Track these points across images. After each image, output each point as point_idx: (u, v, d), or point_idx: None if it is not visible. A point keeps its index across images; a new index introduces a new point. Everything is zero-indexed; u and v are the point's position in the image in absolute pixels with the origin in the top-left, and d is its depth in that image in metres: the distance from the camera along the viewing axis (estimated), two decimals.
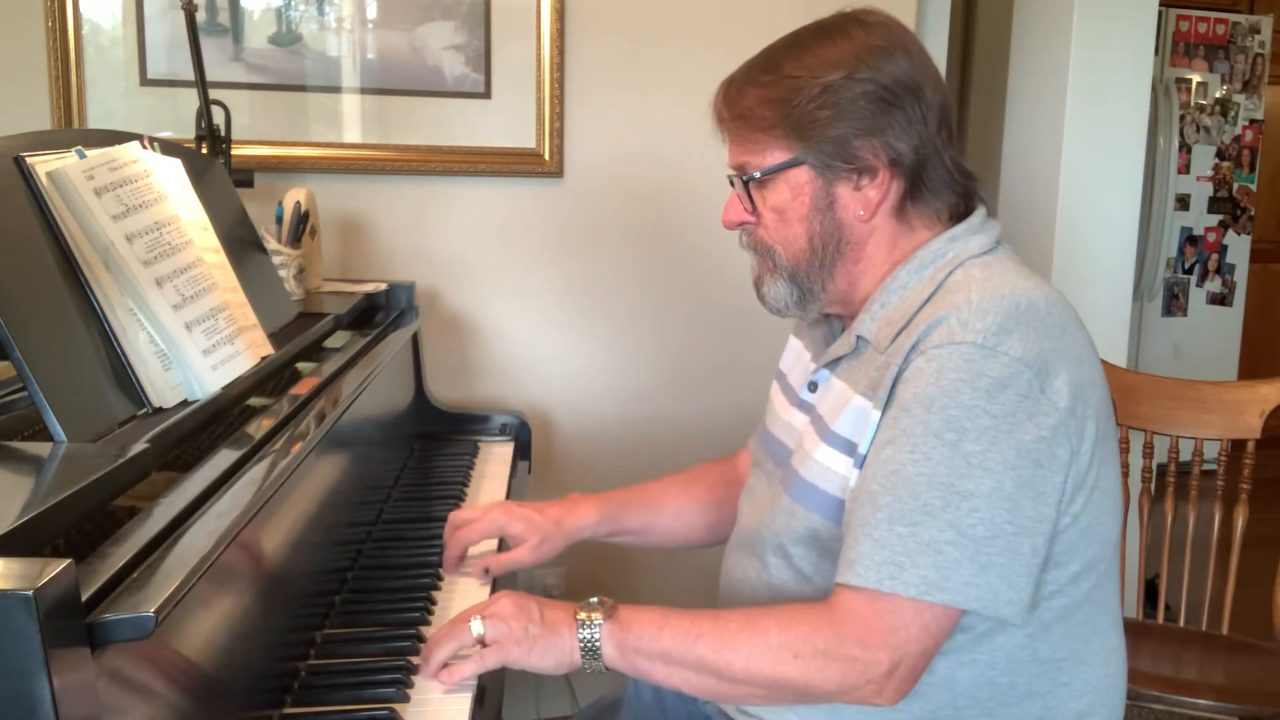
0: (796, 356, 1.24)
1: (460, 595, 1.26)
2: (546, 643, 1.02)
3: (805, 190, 1.06)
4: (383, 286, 1.91)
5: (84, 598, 0.65)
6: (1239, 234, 4.40)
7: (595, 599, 1.04)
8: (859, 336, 1.07)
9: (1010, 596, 0.94)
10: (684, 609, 1.03)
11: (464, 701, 1.02)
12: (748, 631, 0.98)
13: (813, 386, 1.13)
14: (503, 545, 1.35)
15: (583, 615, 1.02)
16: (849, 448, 1.03)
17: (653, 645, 1.00)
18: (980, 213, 1.09)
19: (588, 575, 2.24)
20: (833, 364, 1.10)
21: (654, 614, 1.02)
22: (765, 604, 1.10)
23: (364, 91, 2.07)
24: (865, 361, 1.05)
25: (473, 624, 1.03)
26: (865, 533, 0.95)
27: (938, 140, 1.05)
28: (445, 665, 1.04)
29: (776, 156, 1.06)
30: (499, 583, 1.30)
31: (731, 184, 1.11)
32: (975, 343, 0.95)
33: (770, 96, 1.05)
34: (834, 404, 1.07)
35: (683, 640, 0.99)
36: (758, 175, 1.07)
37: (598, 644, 1.01)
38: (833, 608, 0.97)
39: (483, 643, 1.03)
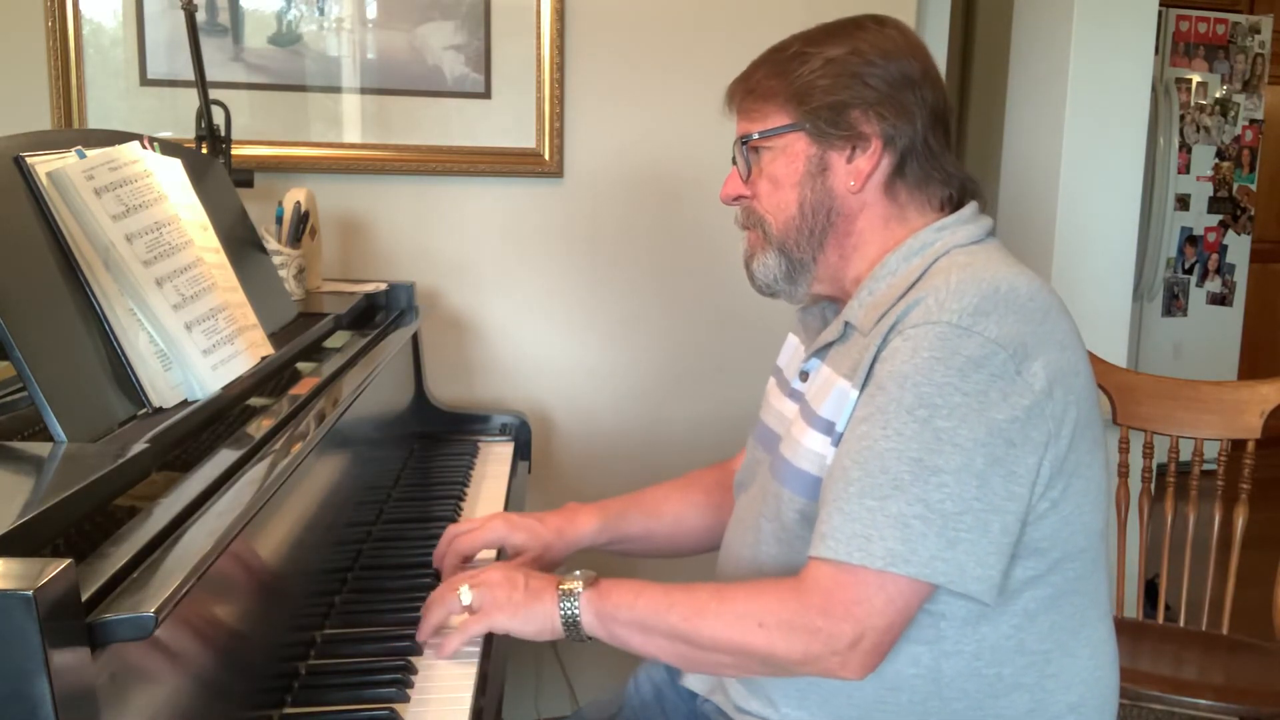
0: (793, 352, 1.26)
1: None
2: (529, 610, 1.06)
3: (800, 157, 1.10)
4: (383, 286, 1.91)
5: (84, 598, 0.65)
6: (1239, 234, 4.40)
7: (578, 570, 1.08)
8: (847, 323, 1.09)
9: (978, 573, 0.95)
10: (663, 582, 1.05)
11: (464, 702, 1.02)
12: (716, 601, 1.01)
13: (804, 375, 1.15)
14: (500, 556, 1.35)
15: (565, 586, 1.06)
16: (828, 428, 1.05)
17: (628, 614, 1.04)
18: (972, 206, 1.12)
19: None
20: (822, 352, 1.12)
21: (631, 584, 1.06)
22: None
23: (364, 91, 2.07)
24: (850, 346, 1.07)
25: (461, 592, 1.09)
26: (837, 507, 0.97)
27: (932, 136, 1.09)
28: (434, 630, 1.10)
29: (776, 120, 1.10)
30: None
31: (734, 161, 1.15)
32: (950, 322, 0.96)
33: (776, 70, 1.11)
34: (820, 389, 1.09)
35: (656, 609, 1.02)
36: (756, 135, 1.11)
37: (577, 612, 1.05)
38: (801, 580, 0.98)
39: (470, 610, 1.08)
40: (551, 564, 1.32)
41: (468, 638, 1.08)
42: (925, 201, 1.11)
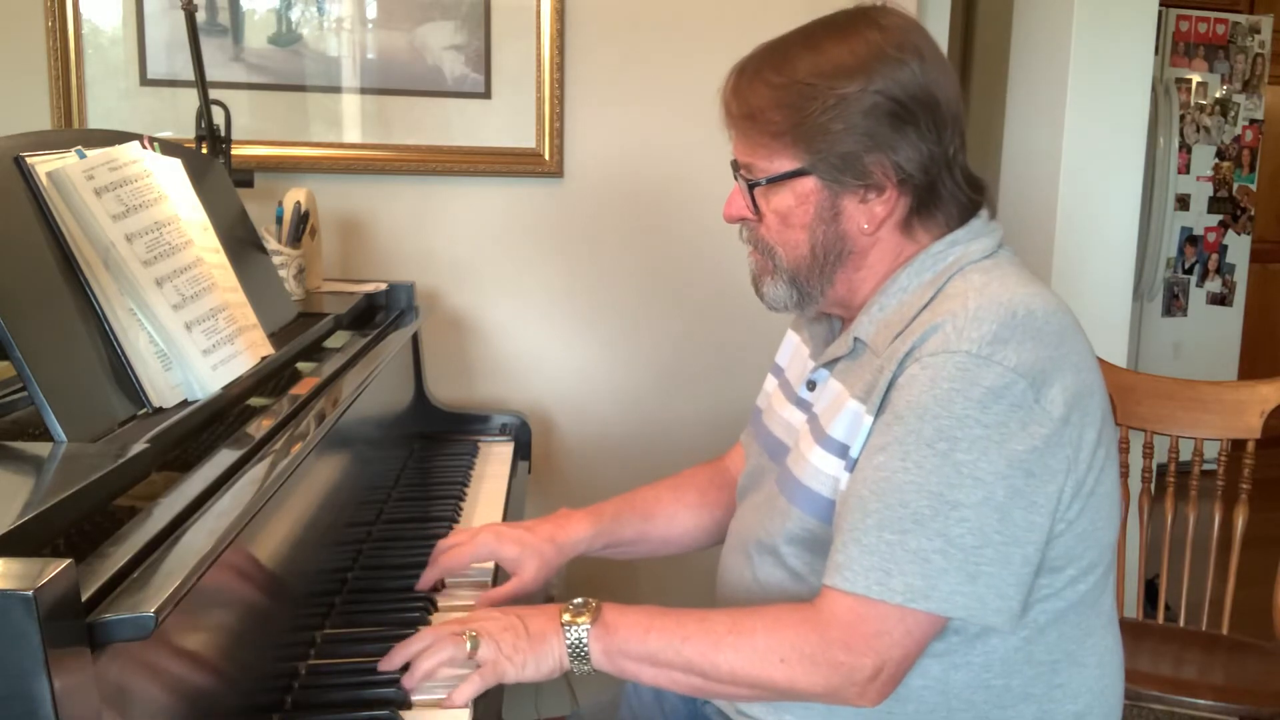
0: (795, 352, 1.24)
1: (462, 596, 1.26)
2: (538, 655, 1.02)
3: (810, 199, 1.04)
4: (383, 286, 1.91)
5: (84, 598, 0.65)
6: (1239, 234, 4.40)
7: (579, 600, 1.04)
8: (856, 338, 1.07)
9: (998, 605, 0.94)
10: (670, 609, 1.03)
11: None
12: (734, 634, 0.99)
13: (811, 385, 1.13)
14: (496, 575, 1.31)
15: (567, 618, 1.02)
16: (841, 450, 1.03)
17: (639, 648, 1.01)
18: (982, 216, 1.08)
19: (587, 576, 2.24)
20: (830, 364, 1.10)
21: (640, 615, 1.02)
22: (759, 603, 1.10)
23: (364, 91, 2.07)
24: (862, 364, 1.05)
25: (468, 642, 1.02)
26: (854, 538, 0.95)
27: (948, 154, 1.04)
28: (430, 675, 1.02)
29: (784, 164, 1.04)
30: None
31: (735, 176, 1.09)
32: (970, 352, 0.94)
33: (781, 101, 1.02)
34: (830, 406, 1.07)
35: (669, 643, 1.00)
36: (764, 182, 1.05)
37: (585, 647, 1.01)
38: (818, 610, 0.97)
39: (472, 659, 1.02)
40: (549, 575, 1.28)
41: (479, 690, 1.01)
42: (939, 225, 1.07)
